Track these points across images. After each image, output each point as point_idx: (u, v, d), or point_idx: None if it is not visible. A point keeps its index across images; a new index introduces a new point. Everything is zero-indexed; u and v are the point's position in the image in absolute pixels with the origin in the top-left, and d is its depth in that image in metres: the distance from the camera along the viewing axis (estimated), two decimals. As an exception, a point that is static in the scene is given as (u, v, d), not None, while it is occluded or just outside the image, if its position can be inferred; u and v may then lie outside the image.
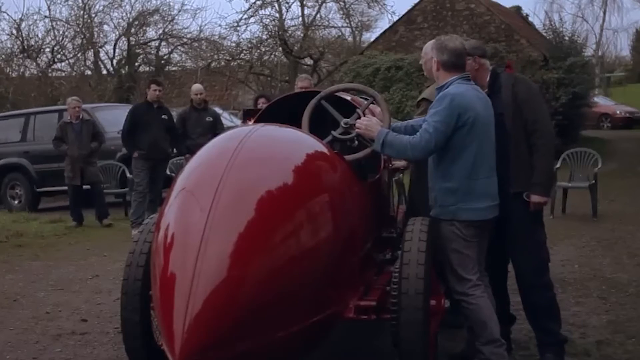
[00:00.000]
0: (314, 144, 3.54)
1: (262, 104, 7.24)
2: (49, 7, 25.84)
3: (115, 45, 26.72)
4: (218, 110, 12.06)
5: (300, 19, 26.89)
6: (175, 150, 10.02)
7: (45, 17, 25.59)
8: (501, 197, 3.81)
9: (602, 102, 26.43)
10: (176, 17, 26.94)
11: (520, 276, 4.08)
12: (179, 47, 27.29)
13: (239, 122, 12.46)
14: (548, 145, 3.96)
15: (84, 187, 10.21)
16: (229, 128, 5.61)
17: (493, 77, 4.07)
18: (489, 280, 3.94)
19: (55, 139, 10.28)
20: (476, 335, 3.75)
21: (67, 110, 10.41)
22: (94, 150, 10.23)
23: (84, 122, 10.20)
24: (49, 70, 26.14)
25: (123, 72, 26.45)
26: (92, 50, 26.48)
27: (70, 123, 10.10)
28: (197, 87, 10.13)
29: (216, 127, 9.26)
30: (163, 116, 9.41)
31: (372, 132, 3.73)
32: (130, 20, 26.26)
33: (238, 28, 26.03)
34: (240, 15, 26.39)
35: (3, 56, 25.76)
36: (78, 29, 25.65)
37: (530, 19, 26.34)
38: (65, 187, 10.64)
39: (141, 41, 27.15)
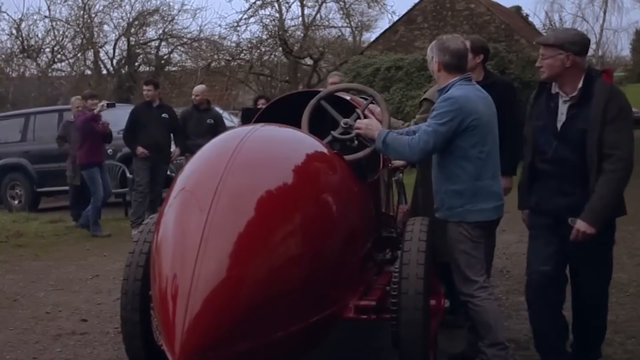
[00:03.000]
0: (313, 144, 3.53)
1: (261, 104, 7.24)
2: (49, 7, 25.96)
3: (115, 45, 26.80)
4: (218, 110, 12.03)
5: (300, 19, 26.95)
6: (178, 148, 9.97)
7: (45, 17, 25.70)
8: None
9: (602, 102, 26.33)
10: (176, 17, 27.02)
11: (577, 294, 3.81)
12: (179, 47, 27.32)
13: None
14: (621, 172, 3.42)
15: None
16: (230, 128, 5.60)
17: (587, 81, 3.49)
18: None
19: (59, 137, 10.26)
20: (480, 336, 3.76)
21: (71, 109, 10.38)
22: None
23: None
24: (49, 70, 26.19)
25: (123, 72, 26.48)
26: (92, 50, 26.50)
27: (74, 122, 10.07)
28: (196, 88, 10.08)
29: (217, 129, 9.16)
30: (164, 115, 9.34)
31: (372, 132, 3.72)
32: (130, 20, 26.30)
33: (238, 28, 26.12)
34: (240, 15, 26.48)
35: (3, 56, 25.84)
36: (78, 29, 25.69)
37: (530, 19, 26.42)
38: (65, 187, 10.61)
39: (141, 41, 27.17)
